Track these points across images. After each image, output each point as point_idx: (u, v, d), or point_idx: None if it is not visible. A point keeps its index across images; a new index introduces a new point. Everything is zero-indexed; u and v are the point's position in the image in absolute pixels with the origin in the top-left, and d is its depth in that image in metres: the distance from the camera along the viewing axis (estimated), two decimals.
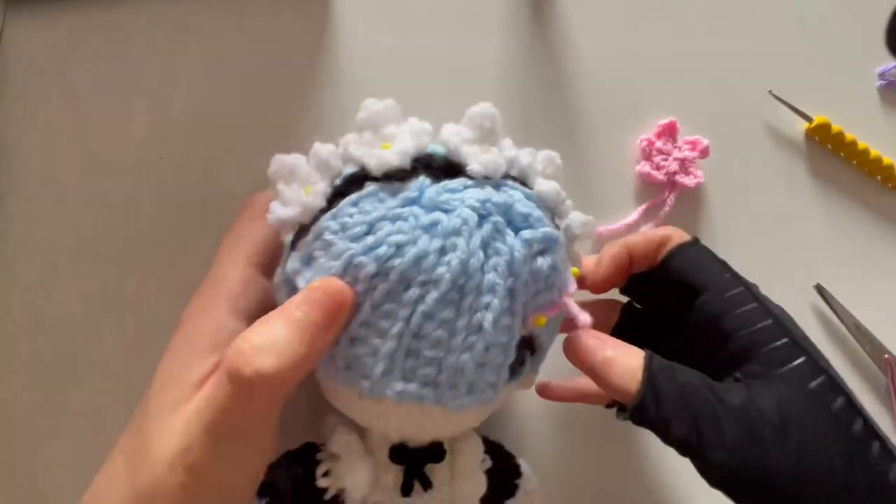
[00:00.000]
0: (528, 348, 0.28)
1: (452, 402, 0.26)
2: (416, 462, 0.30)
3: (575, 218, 0.30)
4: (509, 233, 0.26)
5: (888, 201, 0.43)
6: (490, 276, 0.25)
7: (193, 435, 0.26)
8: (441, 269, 0.25)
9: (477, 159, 0.27)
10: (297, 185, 0.28)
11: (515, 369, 0.28)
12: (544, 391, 0.36)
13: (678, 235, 0.32)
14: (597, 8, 0.42)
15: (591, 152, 0.41)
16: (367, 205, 0.26)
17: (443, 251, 0.25)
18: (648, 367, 0.27)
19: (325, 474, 0.30)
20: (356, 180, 0.27)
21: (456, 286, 0.25)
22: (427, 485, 0.30)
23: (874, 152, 0.42)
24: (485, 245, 0.25)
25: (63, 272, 0.38)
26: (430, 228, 0.25)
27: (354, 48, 0.40)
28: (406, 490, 0.29)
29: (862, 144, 0.42)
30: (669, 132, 0.41)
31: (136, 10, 0.39)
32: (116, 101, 0.38)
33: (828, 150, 0.43)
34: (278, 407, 0.27)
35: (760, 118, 0.43)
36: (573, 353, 0.29)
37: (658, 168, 0.41)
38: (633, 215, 0.40)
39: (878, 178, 0.43)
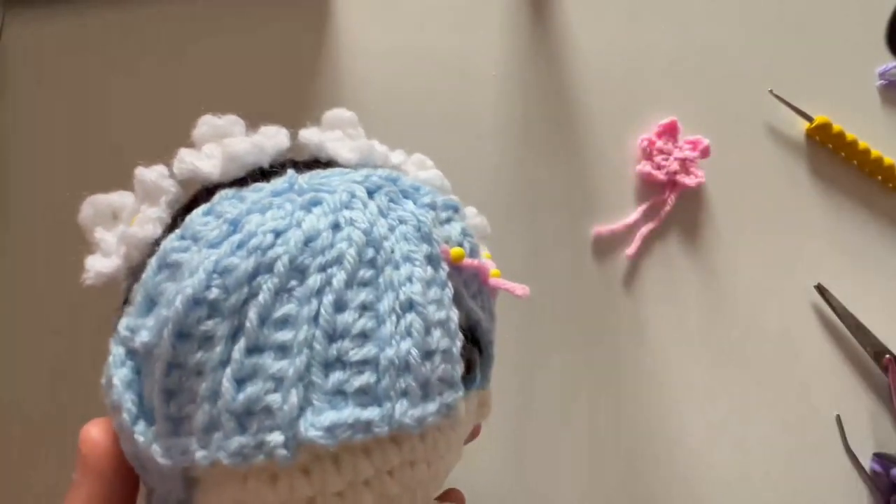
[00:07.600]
0: (471, 340, 0.23)
1: (411, 417, 0.19)
2: None
3: (468, 211, 0.26)
4: (406, 201, 0.22)
5: (888, 201, 0.43)
6: (401, 245, 0.20)
7: None
8: (342, 245, 0.19)
9: (347, 147, 0.24)
10: (123, 226, 0.23)
11: (469, 368, 0.23)
12: None
13: None
14: (597, 7, 0.42)
15: (592, 152, 0.41)
16: (225, 207, 0.20)
17: (336, 226, 0.20)
18: None
19: None
20: (206, 193, 0.22)
21: (366, 261, 0.20)
22: None
23: (875, 152, 0.42)
24: (384, 214, 0.21)
25: (63, 272, 0.38)
26: (312, 207, 0.20)
27: (354, 48, 0.40)
28: None
29: (862, 144, 0.42)
30: (670, 132, 0.41)
31: (137, 10, 0.39)
32: (116, 100, 0.38)
33: (828, 150, 0.43)
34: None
35: (761, 118, 0.43)
36: None
37: (659, 168, 0.41)
38: (634, 215, 0.40)
39: (879, 178, 0.43)
